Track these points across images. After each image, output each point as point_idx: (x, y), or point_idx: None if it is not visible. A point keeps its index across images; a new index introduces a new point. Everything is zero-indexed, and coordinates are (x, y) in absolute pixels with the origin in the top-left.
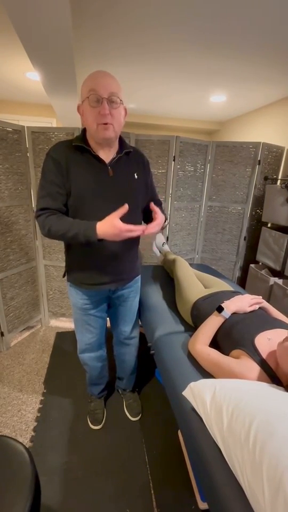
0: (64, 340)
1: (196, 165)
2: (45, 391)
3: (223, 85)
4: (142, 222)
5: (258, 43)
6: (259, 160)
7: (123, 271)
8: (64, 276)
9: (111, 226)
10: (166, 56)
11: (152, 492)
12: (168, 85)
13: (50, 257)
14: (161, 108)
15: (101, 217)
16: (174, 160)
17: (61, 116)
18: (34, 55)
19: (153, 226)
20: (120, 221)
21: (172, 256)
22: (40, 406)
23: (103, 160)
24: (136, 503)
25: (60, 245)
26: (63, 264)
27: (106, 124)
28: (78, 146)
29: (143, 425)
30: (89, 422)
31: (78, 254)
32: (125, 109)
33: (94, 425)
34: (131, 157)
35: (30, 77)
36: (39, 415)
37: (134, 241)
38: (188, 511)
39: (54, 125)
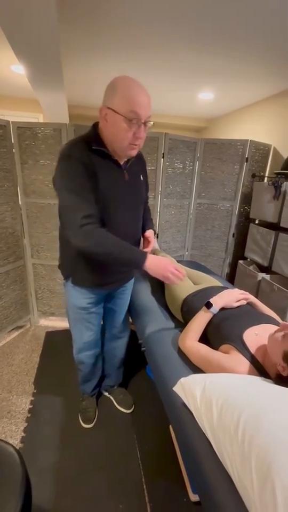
0: (54, 339)
1: (184, 162)
2: (35, 391)
3: (211, 82)
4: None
5: (246, 42)
6: (247, 158)
7: (130, 269)
8: (66, 278)
9: (165, 263)
10: (156, 52)
11: (145, 486)
12: (157, 81)
13: (38, 256)
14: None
15: (120, 223)
16: (163, 157)
17: (48, 111)
18: (18, 48)
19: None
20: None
21: (161, 254)
22: (31, 406)
23: (120, 164)
24: (129, 498)
25: (48, 244)
26: (52, 262)
27: (136, 145)
28: (98, 150)
29: (134, 422)
30: (80, 420)
31: (85, 256)
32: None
33: (86, 423)
34: (137, 157)
35: (15, 70)
36: (29, 415)
37: (137, 241)
38: (180, 503)
39: (41, 121)
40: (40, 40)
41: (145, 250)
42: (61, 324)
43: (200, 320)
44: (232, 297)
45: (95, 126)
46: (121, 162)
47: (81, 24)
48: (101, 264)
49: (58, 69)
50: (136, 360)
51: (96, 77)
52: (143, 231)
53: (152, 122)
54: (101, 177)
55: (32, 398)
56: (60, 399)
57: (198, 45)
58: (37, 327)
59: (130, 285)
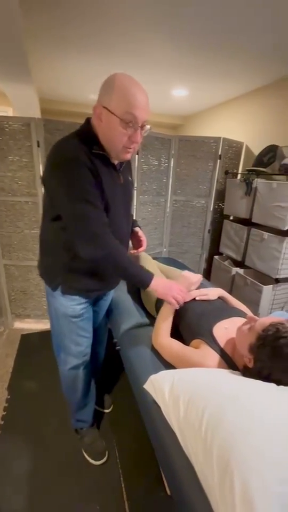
0: (30, 342)
1: (159, 159)
2: (8, 397)
3: (184, 78)
4: None
5: (219, 40)
6: (220, 155)
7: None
8: (54, 288)
9: (172, 285)
10: (124, 44)
11: (123, 485)
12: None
13: (10, 256)
14: None
15: (119, 227)
16: (137, 154)
17: (17, 104)
18: None
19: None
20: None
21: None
22: (4, 413)
23: (117, 168)
24: (107, 498)
25: (20, 243)
26: (25, 263)
27: (131, 148)
28: (98, 154)
29: (113, 421)
30: (89, 458)
31: (83, 263)
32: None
33: (98, 459)
34: None
35: None
36: (2, 423)
37: (127, 243)
38: (157, 498)
39: (11, 114)
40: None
41: (140, 250)
42: (37, 325)
43: (165, 315)
44: (187, 284)
45: (89, 123)
46: (116, 164)
47: (47, 15)
48: (96, 270)
49: (23, 59)
50: (115, 358)
51: (65, 68)
52: (131, 230)
53: (149, 126)
54: (104, 183)
55: (6, 404)
56: (35, 403)
57: (171, 41)
58: (11, 330)
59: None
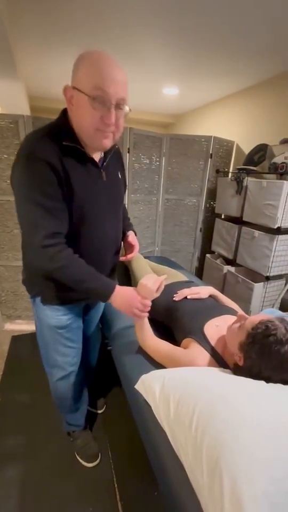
0: (21, 344)
1: (151, 157)
2: None
3: (175, 77)
4: None
5: (209, 38)
6: (211, 154)
7: (112, 276)
8: (33, 296)
9: (130, 298)
10: (114, 41)
11: (116, 485)
12: None
13: None
14: None
15: (100, 232)
16: (128, 152)
17: (3, 101)
18: None
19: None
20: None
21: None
22: None
23: (97, 163)
24: (100, 499)
25: (10, 243)
26: (15, 263)
27: (107, 132)
28: (70, 147)
29: (106, 422)
30: (81, 461)
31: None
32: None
33: (91, 462)
34: (112, 153)
35: None
36: None
37: (118, 248)
38: (151, 497)
39: None
40: None
41: (129, 256)
42: (28, 327)
43: (139, 326)
44: (146, 293)
45: (65, 113)
46: (97, 160)
47: (33, 11)
48: None
49: (7, 54)
50: (107, 359)
51: (54, 66)
52: (123, 234)
53: (128, 108)
54: (75, 182)
55: None
56: (27, 406)
57: (162, 39)
58: (1, 332)
59: None
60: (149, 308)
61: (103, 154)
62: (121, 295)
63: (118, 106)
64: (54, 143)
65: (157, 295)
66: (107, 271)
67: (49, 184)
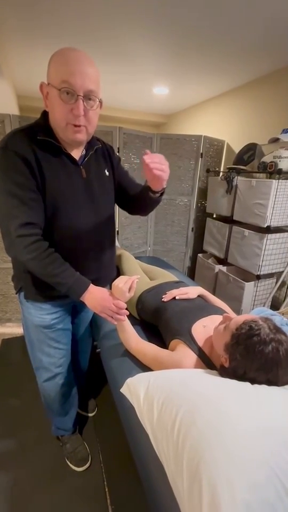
0: (12, 347)
1: (141, 157)
2: None
3: (165, 76)
4: (130, 210)
5: (198, 37)
6: (201, 153)
7: (104, 273)
8: (18, 292)
9: (102, 299)
10: (103, 41)
11: (107, 489)
12: (108, 71)
13: None
14: (104, 98)
15: (78, 230)
16: (118, 152)
17: None
18: None
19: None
20: (112, 299)
21: (118, 252)
22: None
23: (75, 160)
24: (90, 504)
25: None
26: (4, 265)
27: (78, 126)
28: (45, 141)
29: (97, 425)
30: (71, 465)
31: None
32: (101, 102)
33: (80, 466)
34: (99, 151)
35: None
36: None
37: (104, 248)
38: (141, 502)
39: None
40: None
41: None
42: (18, 330)
43: (120, 329)
44: (118, 294)
45: (46, 113)
46: (77, 157)
47: (21, 10)
48: None
49: None
50: (97, 361)
51: (42, 65)
52: (144, 187)
53: (98, 100)
54: (48, 176)
55: None
56: (15, 410)
57: (152, 39)
58: None
59: None
60: (124, 310)
61: (84, 151)
62: (94, 294)
63: (87, 97)
64: (27, 137)
65: (130, 295)
66: (93, 269)
67: (20, 174)
